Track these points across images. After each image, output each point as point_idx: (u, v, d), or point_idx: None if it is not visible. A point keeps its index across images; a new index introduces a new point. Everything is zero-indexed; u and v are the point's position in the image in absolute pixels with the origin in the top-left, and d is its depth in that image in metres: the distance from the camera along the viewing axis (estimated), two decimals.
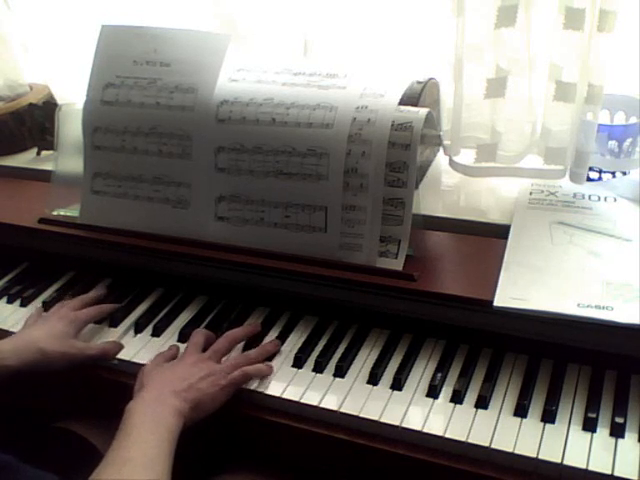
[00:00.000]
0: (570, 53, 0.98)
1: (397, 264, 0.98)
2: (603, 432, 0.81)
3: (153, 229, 1.11)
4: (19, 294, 1.16)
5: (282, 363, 0.95)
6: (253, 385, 0.92)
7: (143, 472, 0.73)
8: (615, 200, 1.05)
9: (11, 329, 1.07)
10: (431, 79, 1.06)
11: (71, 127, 1.17)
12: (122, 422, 0.80)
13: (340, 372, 0.92)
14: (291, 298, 1.04)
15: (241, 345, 0.99)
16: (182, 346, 0.98)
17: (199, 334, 0.98)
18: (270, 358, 0.96)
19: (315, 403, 0.88)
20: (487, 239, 1.01)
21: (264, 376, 0.92)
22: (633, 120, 1.09)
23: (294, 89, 1.03)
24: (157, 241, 1.09)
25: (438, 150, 1.17)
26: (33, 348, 0.94)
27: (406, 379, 0.91)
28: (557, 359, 0.91)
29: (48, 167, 1.24)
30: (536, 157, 1.11)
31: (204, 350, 0.95)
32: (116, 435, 0.78)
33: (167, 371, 0.90)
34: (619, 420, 0.81)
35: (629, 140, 1.08)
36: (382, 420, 0.85)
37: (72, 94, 1.35)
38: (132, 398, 0.84)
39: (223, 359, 0.95)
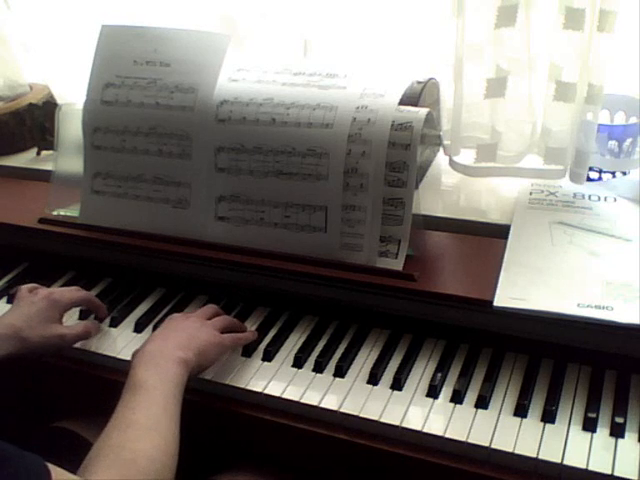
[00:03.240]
0: (570, 53, 0.98)
1: (397, 264, 0.98)
2: (603, 432, 0.81)
3: (153, 229, 1.11)
4: None
5: (282, 363, 0.95)
6: (253, 385, 0.92)
7: (147, 434, 0.74)
8: (615, 200, 1.05)
9: None
10: (431, 79, 1.06)
11: (71, 127, 1.17)
12: (128, 379, 0.81)
13: (340, 372, 0.92)
14: (291, 298, 1.04)
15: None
16: None
17: (209, 307, 1.00)
18: (270, 358, 0.96)
19: (315, 403, 0.88)
20: (487, 239, 1.01)
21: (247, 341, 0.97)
22: (633, 120, 1.09)
23: (294, 89, 1.03)
24: (157, 241, 1.09)
25: (438, 150, 1.17)
26: (14, 338, 0.92)
27: (406, 379, 0.91)
28: (557, 359, 0.91)
29: (48, 167, 1.24)
30: (536, 157, 1.11)
31: None
32: (122, 393, 0.79)
33: (168, 329, 0.93)
34: (619, 420, 0.81)
35: (629, 140, 1.08)
36: (382, 420, 0.85)
37: (72, 94, 1.35)
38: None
39: None
